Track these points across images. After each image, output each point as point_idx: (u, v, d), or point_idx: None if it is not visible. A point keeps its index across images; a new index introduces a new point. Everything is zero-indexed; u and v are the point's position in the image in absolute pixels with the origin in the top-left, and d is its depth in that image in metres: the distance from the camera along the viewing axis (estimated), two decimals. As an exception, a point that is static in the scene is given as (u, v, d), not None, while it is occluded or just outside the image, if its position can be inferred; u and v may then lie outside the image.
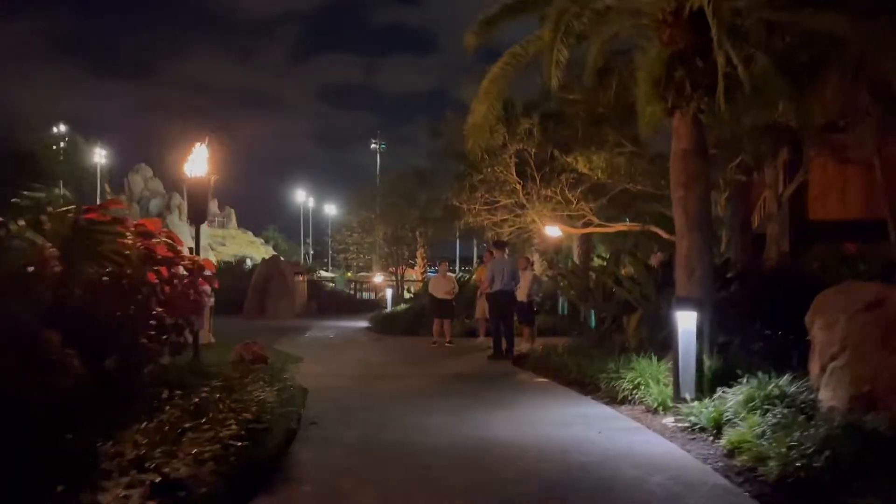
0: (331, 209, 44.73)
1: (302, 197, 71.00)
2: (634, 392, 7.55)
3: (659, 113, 8.80)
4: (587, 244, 22.86)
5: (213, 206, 79.11)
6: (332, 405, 7.58)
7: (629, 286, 10.28)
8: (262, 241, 78.29)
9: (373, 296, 30.66)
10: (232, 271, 27.08)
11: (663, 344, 9.23)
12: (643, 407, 7.34)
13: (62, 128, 49.01)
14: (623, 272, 11.25)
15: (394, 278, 31.08)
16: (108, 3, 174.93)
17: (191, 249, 21.88)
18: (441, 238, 32.82)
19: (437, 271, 14.92)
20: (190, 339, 6.42)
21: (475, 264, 24.53)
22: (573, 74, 16.93)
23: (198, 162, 7.38)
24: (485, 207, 19.20)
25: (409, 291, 27.95)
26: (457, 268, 45.53)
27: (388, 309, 19.86)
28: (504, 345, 11.94)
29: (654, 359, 8.06)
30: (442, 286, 14.01)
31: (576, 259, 22.09)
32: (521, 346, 12.39)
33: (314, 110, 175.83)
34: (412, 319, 16.66)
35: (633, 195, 17.77)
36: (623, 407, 7.50)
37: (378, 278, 29.64)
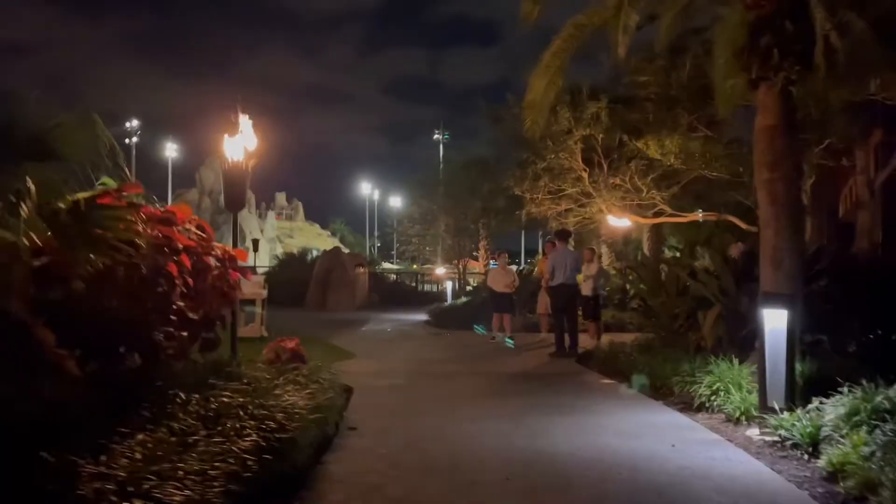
0: (396, 202, 44.50)
1: (367, 190, 71.32)
2: (713, 399, 6.73)
3: (740, 87, 7.90)
4: (658, 235, 21.73)
5: (281, 198, 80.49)
6: (377, 407, 7.03)
7: (705, 279, 9.36)
8: (329, 233, 79.04)
9: (435, 288, 30.19)
10: (294, 263, 26.96)
11: (742, 343, 8.36)
12: (723, 416, 6.52)
13: (134, 122, 50.25)
14: (698, 265, 10.31)
15: (456, 270, 30.50)
16: (186, 4, 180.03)
17: (255, 242, 21.75)
18: (504, 229, 32.07)
19: (496, 264, 14.20)
20: (220, 335, 5.94)
21: (540, 256, 23.92)
22: (643, 57, 16.01)
23: (235, 145, 6.91)
24: (548, 197, 18.38)
25: (469, 284, 27.31)
26: (521, 260, 44.60)
27: (448, 302, 19.28)
28: (567, 342, 11.18)
29: (735, 361, 7.19)
30: (501, 279, 13.32)
31: (646, 251, 21.06)
32: (586, 343, 11.61)
33: (381, 104, 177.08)
34: (472, 314, 16.01)
35: (709, 183, 16.67)
36: (700, 415, 6.69)
37: (440, 270, 29.08)
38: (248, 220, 71.66)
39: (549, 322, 13.33)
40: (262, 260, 30.04)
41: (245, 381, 5.23)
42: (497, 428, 6.15)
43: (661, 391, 7.74)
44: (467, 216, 29.15)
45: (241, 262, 6.16)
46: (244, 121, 7.05)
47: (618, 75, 18.83)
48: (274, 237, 69.75)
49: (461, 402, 7.47)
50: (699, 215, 17.75)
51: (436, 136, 44.52)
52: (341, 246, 61.73)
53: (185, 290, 5.18)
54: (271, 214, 75.19)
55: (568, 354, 11.00)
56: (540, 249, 49.67)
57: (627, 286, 17.68)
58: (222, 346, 6.27)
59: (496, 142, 23.07)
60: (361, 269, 25.09)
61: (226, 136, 7.00)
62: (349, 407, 6.80)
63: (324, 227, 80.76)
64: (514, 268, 16.79)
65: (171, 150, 53.21)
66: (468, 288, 23.85)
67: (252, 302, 12.15)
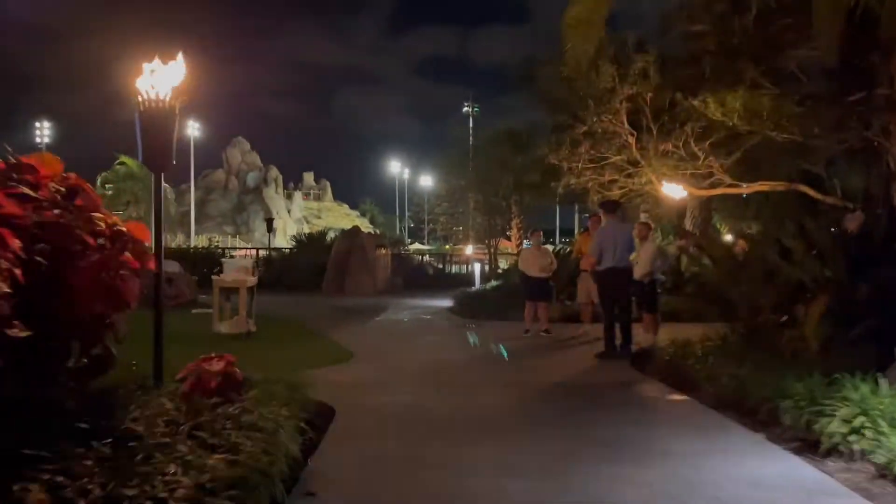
0: (427, 181, 42.36)
1: (397, 168, 69.37)
2: (851, 439, 4.55)
3: None
4: (706, 211, 19.35)
5: (309, 178, 78.96)
6: (361, 446, 4.99)
7: (806, 262, 7.13)
8: (358, 213, 77.37)
9: (464, 270, 28.04)
10: (313, 245, 25.01)
11: (853, 344, 6.20)
12: (870, 468, 4.35)
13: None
14: (790, 243, 8.02)
15: (487, 251, 28.36)
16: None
17: (269, 221, 19.72)
18: (538, 206, 29.82)
19: (530, 244, 11.96)
20: (114, 349, 3.92)
21: (577, 234, 21.20)
22: (700, 2, 13.68)
23: (159, 79, 4.87)
24: (589, 166, 16.10)
25: (500, 267, 25.06)
26: (556, 240, 42.15)
27: (476, 287, 17.15)
28: (618, 340, 9.03)
29: (883, 384, 4.98)
30: (535, 261, 11.17)
31: (689, 227, 18.74)
32: (642, 338, 9.45)
33: (410, 84, 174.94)
34: (502, 300, 13.87)
35: (774, 148, 14.26)
36: (831, 463, 4.52)
37: (468, 251, 26.92)
38: (275, 200, 70.37)
39: (593, 312, 11.19)
40: (280, 241, 28.20)
41: (117, 438, 3.18)
42: (530, 490, 4.06)
43: (758, 417, 5.58)
44: (498, 192, 26.95)
45: (145, 243, 4.11)
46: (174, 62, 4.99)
47: (667, 27, 16.47)
48: (301, 218, 68.31)
49: (481, 436, 5.36)
50: (765, 184, 15.32)
51: (465, 109, 42.16)
52: (370, 227, 60.13)
53: (24, 284, 3.15)
54: (298, 195, 73.77)
55: (619, 355, 8.85)
56: (576, 227, 47.26)
57: (682, 268, 15.42)
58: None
59: (529, 108, 20.70)
60: (383, 251, 23.06)
61: (144, 65, 4.95)
62: (321, 446, 4.79)
63: (353, 207, 79.14)
64: (550, 247, 14.56)
65: (193, 129, 51.56)
66: (499, 271, 21.56)
67: (235, 291, 10.20)
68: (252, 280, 10.30)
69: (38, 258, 3.37)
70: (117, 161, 43.85)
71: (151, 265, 4.19)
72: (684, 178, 15.32)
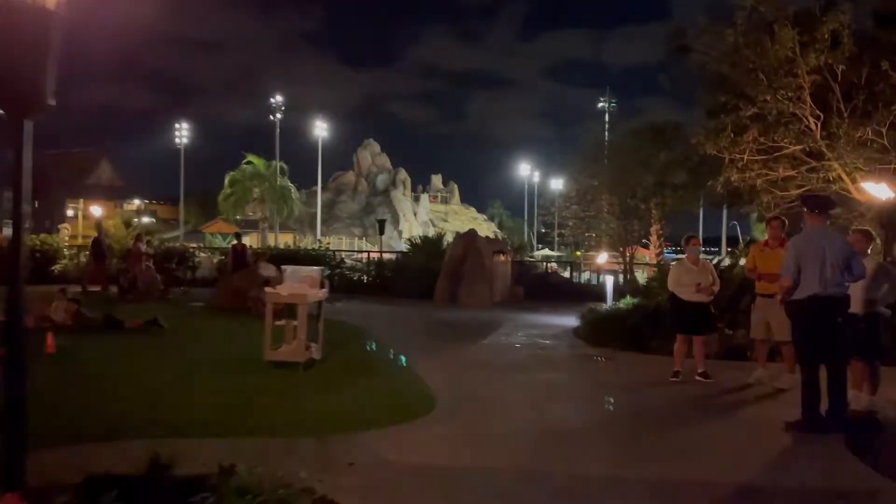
0: (557, 184, 39.39)
1: (526, 171, 66.64)
2: None
3: None
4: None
5: (437, 180, 77.74)
6: None
7: None
8: (486, 217, 75.27)
9: (595, 279, 24.85)
10: (427, 249, 22.86)
11: None
12: None
13: (278, 98, 48.81)
14: None
15: (621, 260, 25.13)
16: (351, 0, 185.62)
17: (381, 223, 17.77)
18: (682, 210, 26.24)
19: (683, 254, 8.90)
20: None
21: (742, 244, 16.85)
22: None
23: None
24: (758, 158, 12.85)
25: (634, 278, 21.75)
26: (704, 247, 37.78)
27: (608, 304, 14.23)
28: (823, 405, 6.02)
29: None
30: (691, 280, 8.25)
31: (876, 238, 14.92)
32: (853, 397, 6.39)
33: (542, 88, 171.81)
34: (641, 325, 10.94)
35: None
36: None
37: (600, 259, 23.79)
38: (402, 202, 69.57)
39: (765, 349, 8.17)
40: (406, 244, 26.27)
41: None
42: None
43: None
44: (636, 194, 23.71)
45: None
46: None
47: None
48: (427, 220, 67.07)
49: None
50: None
51: (600, 105, 38.73)
52: (497, 231, 57.72)
53: None
54: (425, 197, 72.66)
55: (827, 427, 5.85)
56: (722, 235, 42.42)
57: None
58: None
59: (679, 88, 17.36)
60: (502, 257, 20.51)
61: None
62: None
63: (480, 210, 77.16)
64: (709, 259, 11.43)
65: (321, 130, 51.28)
66: (638, 283, 18.21)
67: (291, 308, 8.02)
68: (317, 294, 8.09)
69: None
70: (244, 160, 44.21)
71: None
72: (886, 174, 11.81)
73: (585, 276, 25.69)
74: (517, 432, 5.86)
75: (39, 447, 3.74)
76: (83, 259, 23.19)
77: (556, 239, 48.59)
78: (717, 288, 8.34)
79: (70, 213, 50.21)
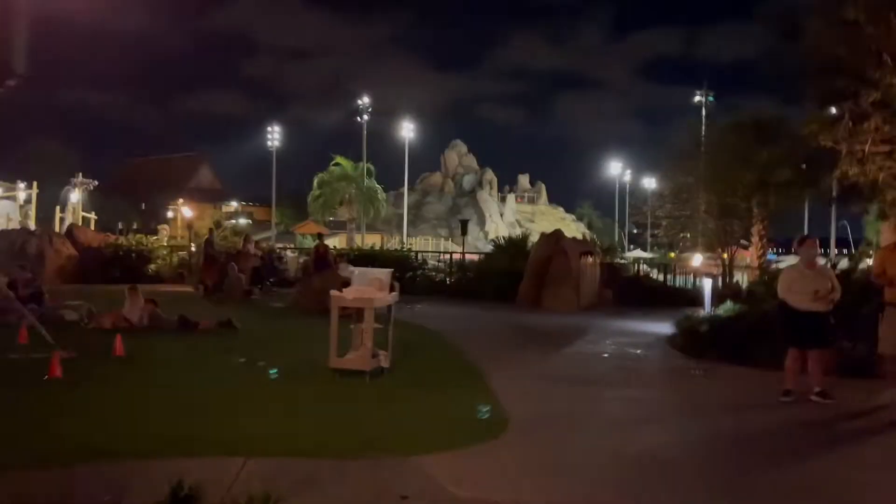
0: (650, 183, 37.75)
1: (617, 171, 64.61)
2: None
3: None
4: None
5: (524, 180, 76.64)
6: None
7: None
8: (573, 217, 73.58)
9: (691, 283, 23.36)
10: (511, 249, 22.11)
11: None
12: None
13: (365, 100, 49.04)
14: None
15: (719, 262, 23.60)
16: (441, 3, 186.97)
17: (464, 223, 17.29)
18: (786, 210, 24.41)
19: (796, 255, 7.75)
20: None
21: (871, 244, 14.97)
22: None
23: None
24: (881, 150, 11.48)
25: (736, 281, 20.24)
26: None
27: (706, 311, 13.10)
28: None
29: None
30: (805, 285, 7.21)
31: None
32: None
33: (632, 87, 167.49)
34: (744, 335, 9.87)
35: None
36: None
37: (696, 261, 22.39)
38: (489, 202, 68.89)
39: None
40: (481, 245, 25.57)
41: None
42: None
43: None
44: (736, 192, 22.21)
45: None
46: None
47: None
48: (514, 221, 66.16)
49: None
50: None
51: (696, 99, 36.79)
52: (586, 231, 56.18)
53: None
54: (512, 197, 71.70)
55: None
56: (831, 236, 39.65)
57: None
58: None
59: (780, 81, 15.92)
60: (590, 259, 19.53)
61: None
62: None
63: (568, 210, 75.42)
64: (828, 263, 10.19)
65: (408, 131, 51.30)
66: (741, 289, 16.72)
67: (357, 312, 7.51)
68: (385, 298, 7.55)
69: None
70: (332, 162, 44.81)
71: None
72: None
73: (681, 279, 24.25)
74: (599, 462, 5.09)
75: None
76: (174, 259, 23.76)
77: (649, 240, 46.80)
78: (837, 296, 7.25)
79: (170, 214, 52.22)
